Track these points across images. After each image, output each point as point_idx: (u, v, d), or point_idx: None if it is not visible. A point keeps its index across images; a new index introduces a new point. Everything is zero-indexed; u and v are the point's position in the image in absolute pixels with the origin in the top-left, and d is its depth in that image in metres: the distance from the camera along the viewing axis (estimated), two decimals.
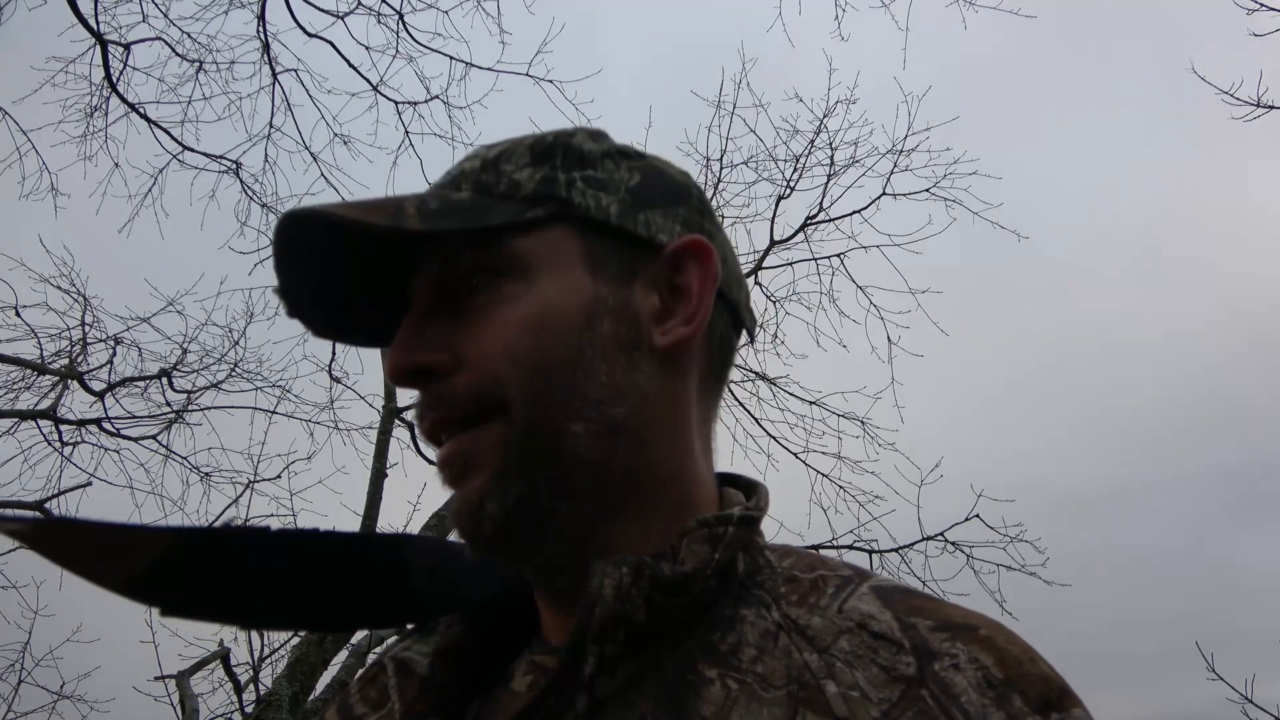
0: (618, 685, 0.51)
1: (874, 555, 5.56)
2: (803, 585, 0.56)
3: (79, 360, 5.71)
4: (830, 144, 6.24)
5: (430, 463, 5.27)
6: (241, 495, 5.32)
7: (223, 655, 4.46)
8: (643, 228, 0.61)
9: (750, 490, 0.64)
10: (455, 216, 0.57)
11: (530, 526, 0.56)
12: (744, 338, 0.69)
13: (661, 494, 0.59)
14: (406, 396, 5.57)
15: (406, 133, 5.79)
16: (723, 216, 5.75)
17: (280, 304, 0.60)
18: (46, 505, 5.03)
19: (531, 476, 0.55)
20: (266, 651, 4.66)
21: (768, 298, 6.30)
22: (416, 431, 0.61)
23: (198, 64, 5.58)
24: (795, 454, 5.97)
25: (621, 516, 0.58)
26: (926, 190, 6.10)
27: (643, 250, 0.61)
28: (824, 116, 6.23)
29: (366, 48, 5.52)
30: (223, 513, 5.26)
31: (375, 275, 0.62)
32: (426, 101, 5.72)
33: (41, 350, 5.57)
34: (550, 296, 0.58)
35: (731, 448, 6.02)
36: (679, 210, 0.64)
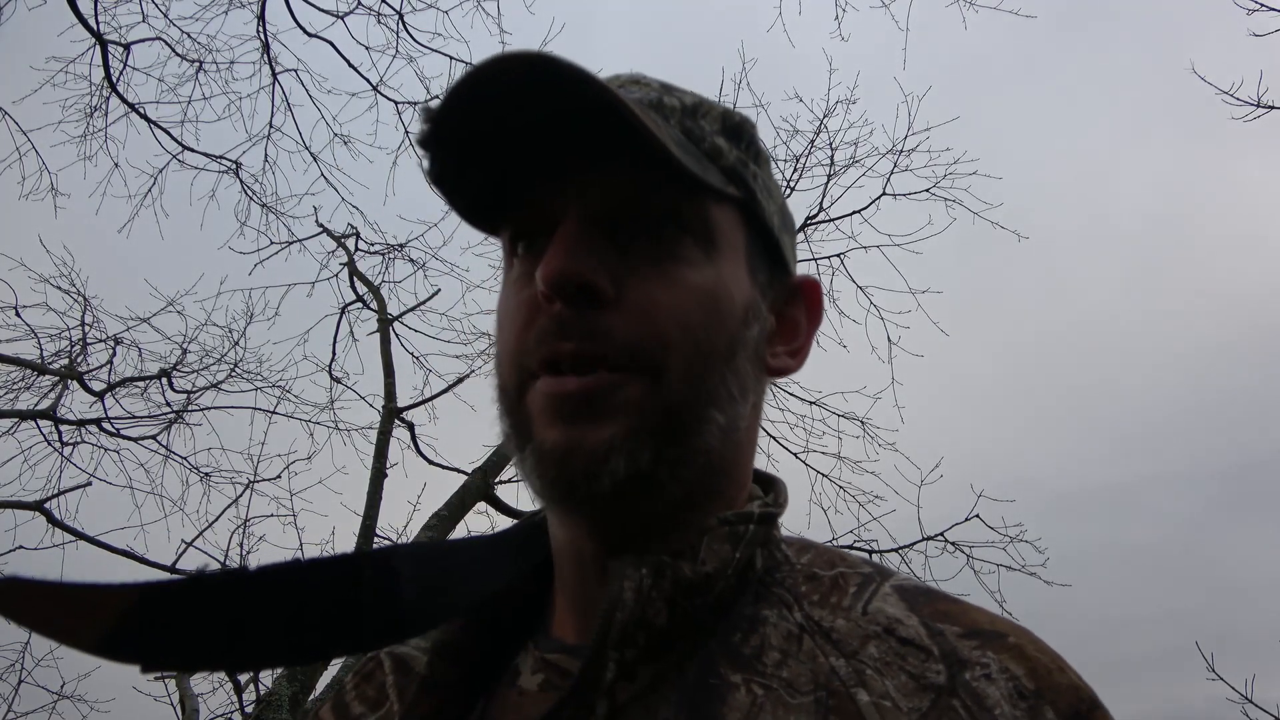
0: (638, 690, 0.50)
1: (874, 555, 5.55)
2: (823, 584, 0.55)
3: (79, 360, 5.71)
4: (830, 144, 6.24)
5: (431, 463, 5.27)
6: (241, 495, 5.31)
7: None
8: (784, 249, 0.64)
9: (769, 485, 0.64)
10: (691, 158, 0.54)
11: (640, 497, 0.54)
12: None
13: (729, 495, 0.59)
14: (407, 396, 5.57)
15: (406, 133, 5.78)
16: None
17: (428, 123, 0.53)
18: (47, 505, 5.02)
19: (664, 449, 0.53)
20: None
21: None
22: (541, 349, 0.54)
23: (198, 64, 5.58)
24: (795, 454, 5.97)
25: (696, 508, 0.57)
26: (926, 190, 6.10)
27: (778, 270, 0.64)
28: (824, 116, 6.23)
29: (366, 48, 5.52)
30: (223, 513, 5.25)
31: (515, 151, 0.56)
32: (426, 102, 5.70)
33: (41, 350, 5.58)
34: (727, 281, 0.57)
35: None
36: (794, 242, 0.67)
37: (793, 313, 0.65)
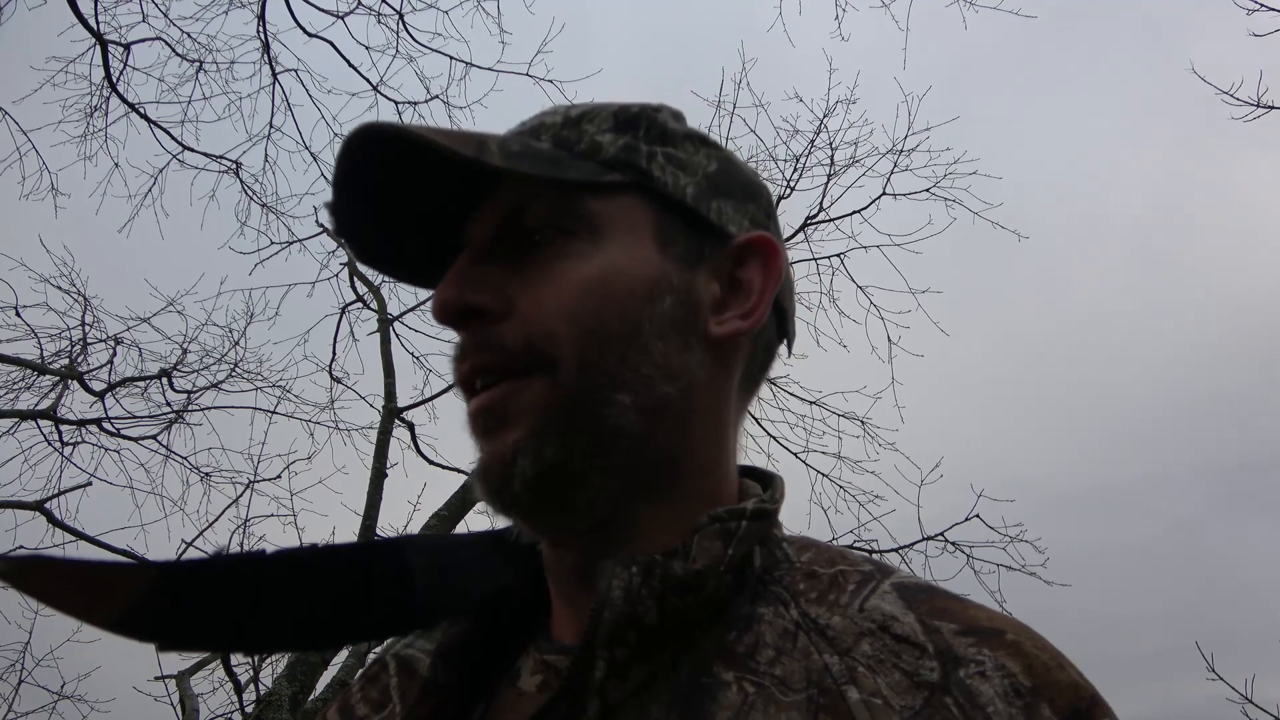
0: (630, 689, 0.50)
1: (874, 555, 5.54)
2: (822, 581, 0.54)
3: (79, 360, 5.71)
4: (830, 144, 6.24)
5: (432, 463, 5.27)
6: (241, 495, 5.31)
7: (223, 655, 4.46)
8: (715, 215, 0.62)
9: (767, 482, 0.63)
10: (536, 162, 0.56)
11: (561, 492, 0.54)
12: (784, 349, 0.69)
13: (695, 484, 0.58)
14: (407, 397, 5.57)
15: None
16: None
17: (330, 219, 0.59)
18: (47, 505, 5.02)
19: (569, 440, 0.54)
20: None
21: None
22: (455, 377, 0.59)
23: (198, 64, 5.58)
24: (795, 454, 5.98)
25: (652, 500, 0.57)
26: (926, 190, 6.10)
27: (711, 237, 0.61)
28: (824, 116, 6.23)
29: (366, 48, 5.53)
30: (223, 513, 5.25)
31: (428, 210, 0.61)
32: (426, 101, 5.71)
33: (41, 350, 5.58)
34: (617, 263, 0.57)
35: None
36: (749, 206, 0.65)
37: (744, 274, 0.62)
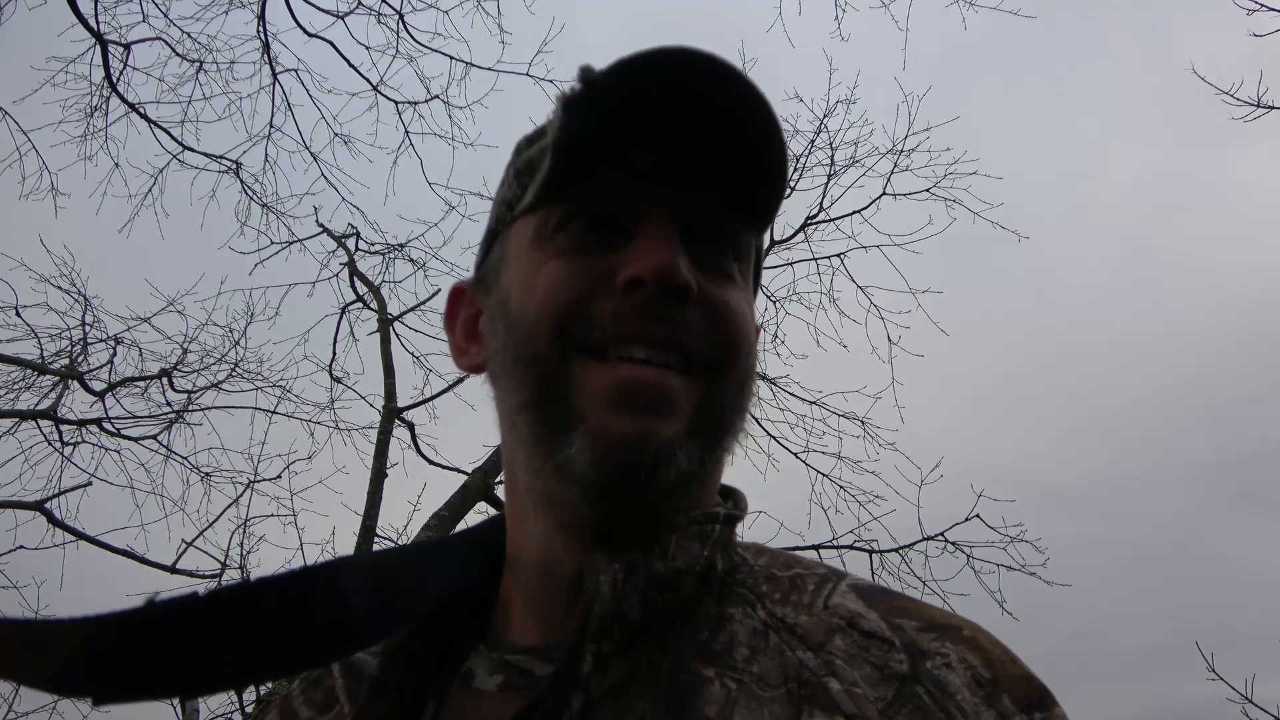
0: (610, 684, 0.51)
1: (874, 555, 5.56)
2: (783, 584, 0.57)
3: (79, 360, 5.71)
4: (830, 144, 6.24)
5: (432, 463, 5.25)
6: (242, 495, 5.31)
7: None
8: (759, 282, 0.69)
9: (727, 494, 0.66)
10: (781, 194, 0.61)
11: (685, 493, 0.57)
12: None
13: (707, 499, 0.62)
14: (407, 397, 5.57)
15: (406, 133, 5.79)
16: None
17: (579, 84, 0.55)
18: (47, 505, 5.02)
19: (704, 449, 0.57)
20: None
21: (768, 298, 6.31)
22: (626, 331, 0.56)
23: (198, 64, 5.59)
24: (795, 454, 5.97)
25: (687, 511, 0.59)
26: (926, 190, 6.10)
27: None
28: (824, 116, 6.23)
29: (366, 48, 5.54)
30: (223, 513, 5.25)
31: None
32: (426, 101, 5.73)
33: (41, 350, 5.59)
34: (750, 303, 0.63)
35: None
36: None
37: None
